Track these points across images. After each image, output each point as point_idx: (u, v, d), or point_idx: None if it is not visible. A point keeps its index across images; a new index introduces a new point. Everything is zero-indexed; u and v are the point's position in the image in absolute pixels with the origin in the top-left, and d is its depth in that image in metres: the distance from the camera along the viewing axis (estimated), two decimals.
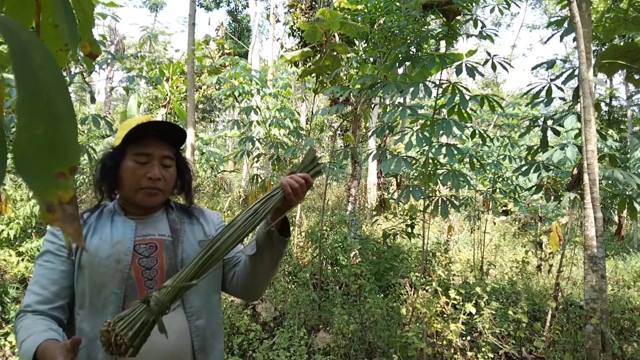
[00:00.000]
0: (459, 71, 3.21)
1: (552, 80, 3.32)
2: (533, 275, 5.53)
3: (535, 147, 3.52)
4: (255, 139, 5.13)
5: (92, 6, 0.69)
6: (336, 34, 4.53)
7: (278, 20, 13.06)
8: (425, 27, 3.75)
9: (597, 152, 2.67)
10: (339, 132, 8.11)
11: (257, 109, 5.09)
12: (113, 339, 0.82)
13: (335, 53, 4.39)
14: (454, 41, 3.57)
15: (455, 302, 3.21)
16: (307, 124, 11.15)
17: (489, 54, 3.35)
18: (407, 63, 3.57)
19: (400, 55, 3.57)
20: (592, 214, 2.57)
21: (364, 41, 5.27)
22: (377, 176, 10.06)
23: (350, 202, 5.27)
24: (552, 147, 3.39)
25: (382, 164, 3.46)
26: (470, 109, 3.47)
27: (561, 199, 3.26)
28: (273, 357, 2.99)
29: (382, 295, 4.10)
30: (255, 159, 5.43)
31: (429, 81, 3.55)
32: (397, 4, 3.61)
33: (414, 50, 3.84)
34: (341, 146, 7.20)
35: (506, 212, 6.94)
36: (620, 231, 4.72)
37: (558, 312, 3.69)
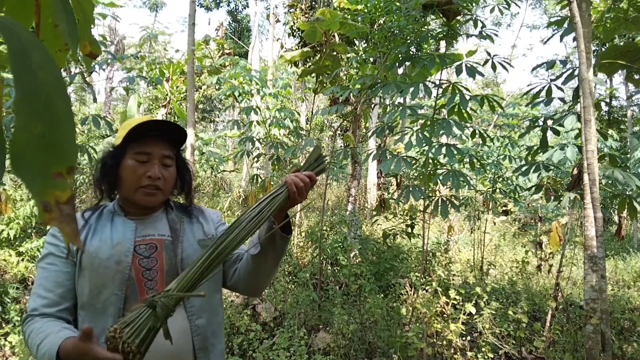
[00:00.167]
0: (459, 71, 3.21)
1: (552, 80, 3.32)
2: (533, 275, 5.53)
3: (535, 147, 3.52)
4: (255, 139, 5.13)
5: (92, 6, 0.69)
6: (336, 34, 4.53)
7: (278, 20, 13.06)
8: (425, 27, 3.75)
9: (597, 152, 2.67)
10: (339, 132, 8.11)
11: (257, 109, 5.09)
12: (120, 346, 0.82)
13: (335, 53, 4.39)
14: (454, 41, 3.57)
15: (455, 302, 3.21)
16: (307, 124, 11.15)
17: (489, 54, 3.35)
18: (407, 63, 3.57)
19: (400, 55, 3.57)
20: (592, 214, 2.57)
21: (364, 41, 5.27)
22: (377, 176, 10.05)
23: (350, 202, 5.27)
24: (552, 147, 3.39)
25: (382, 164, 3.46)
26: (470, 109, 3.47)
27: (561, 199, 3.26)
28: (273, 357, 2.99)
29: (382, 295, 4.10)
30: (255, 159, 5.43)
31: (429, 81, 3.55)
32: (397, 4, 3.61)
33: (414, 50, 3.84)
34: (341, 146, 7.20)
35: (506, 212, 6.93)
36: (620, 231, 4.71)
37: (558, 312, 3.69)
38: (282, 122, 5.37)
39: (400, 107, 3.41)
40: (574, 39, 2.73)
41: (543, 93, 3.34)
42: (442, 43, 3.80)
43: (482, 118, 8.61)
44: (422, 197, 3.25)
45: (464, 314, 3.04)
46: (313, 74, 4.64)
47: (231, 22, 18.51)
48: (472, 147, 6.30)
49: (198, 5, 16.30)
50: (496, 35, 3.31)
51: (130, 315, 0.87)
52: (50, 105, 0.32)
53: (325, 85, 4.61)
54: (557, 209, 8.05)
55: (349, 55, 4.70)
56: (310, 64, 5.26)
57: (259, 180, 5.25)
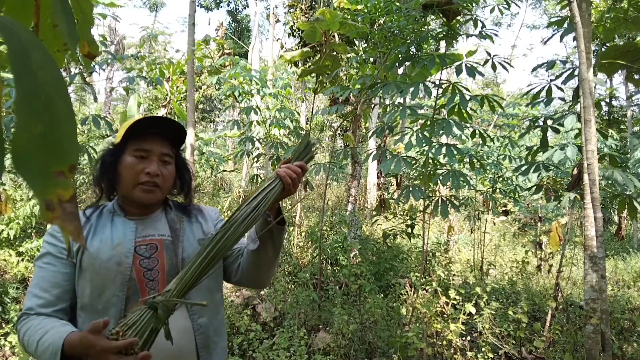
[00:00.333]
0: (459, 71, 3.21)
1: (552, 80, 3.32)
2: (533, 275, 5.53)
3: (535, 147, 3.52)
4: (255, 139, 5.13)
5: (91, 6, 0.69)
6: (336, 34, 4.53)
7: (278, 20, 13.06)
8: (425, 27, 3.75)
9: (597, 152, 2.67)
10: (339, 132, 8.11)
11: (257, 109, 5.09)
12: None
13: (335, 53, 4.39)
14: (454, 41, 3.57)
15: (455, 302, 3.21)
16: (307, 124, 11.15)
17: (488, 54, 3.35)
18: (407, 63, 3.56)
19: (400, 55, 3.57)
20: (592, 214, 2.57)
21: (364, 41, 5.27)
22: (377, 176, 10.05)
23: (350, 202, 5.28)
24: (552, 147, 3.39)
25: (382, 164, 3.46)
26: (470, 109, 3.47)
27: (561, 199, 3.26)
28: (273, 357, 2.99)
29: (382, 295, 4.10)
30: (255, 159, 5.43)
31: (429, 81, 3.55)
32: (397, 4, 3.61)
33: (414, 50, 3.84)
34: (341, 146, 7.20)
35: (506, 212, 6.93)
36: (620, 231, 4.72)
37: (558, 312, 3.69)
38: (282, 122, 5.38)
39: (400, 107, 3.41)
40: (574, 39, 2.73)
41: (543, 93, 3.34)
42: (442, 43, 3.80)
43: (482, 118, 8.61)
44: (422, 197, 3.25)
45: (464, 314, 3.04)
46: (313, 74, 4.64)
47: (231, 22, 18.51)
48: (472, 147, 6.30)
49: (198, 5, 16.30)
50: (496, 35, 3.31)
51: (131, 317, 0.87)
52: (50, 105, 0.32)
53: (325, 85, 4.61)
54: (557, 209, 8.05)
55: (349, 55, 4.70)
56: (310, 64, 5.26)
57: (259, 180, 5.25)
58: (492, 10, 3.75)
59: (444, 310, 3.06)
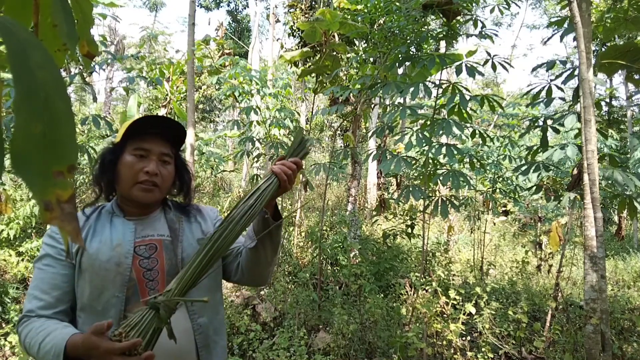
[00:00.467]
0: (459, 71, 3.21)
1: (552, 80, 3.32)
2: (533, 275, 5.53)
3: (535, 147, 3.52)
4: (255, 139, 5.13)
5: (91, 6, 0.69)
6: (336, 34, 4.53)
7: (278, 21, 13.06)
8: (425, 27, 3.75)
9: (597, 152, 2.67)
10: (339, 132, 8.11)
11: (257, 109, 5.09)
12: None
13: (335, 53, 4.39)
14: (454, 41, 3.57)
15: (455, 302, 3.21)
16: (307, 124, 11.14)
17: (488, 54, 3.35)
18: (407, 63, 3.56)
19: (400, 55, 3.57)
20: (592, 214, 2.57)
21: (364, 41, 5.27)
22: (377, 176, 10.05)
23: (350, 202, 5.28)
24: (552, 147, 3.39)
25: (382, 164, 3.46)
26: (470, 109, 3.47)
27: (561, 199, 3.26)
28: (273, 357, 2.99)
29: (382, 295, 4.10)
30: (255, 159, 5.43)
31: (429, 81, 3.55)
32: (397, 4, 3.61)
33: (414, 50, 3.85)
34: (341, 146, 7.20)
35: (506, 212, 6.93)
36: (621, 231, 4.71)
37: (558, 312, 3.69)
38: (282, 122, 5.38)
39: (400, 107, 3.41)
40: (574, 39, 2.73)
41: (543, 93, 3.34)
42: (442, 43, 3.80)
43: (482, 118, 8.61)
44: (422, 197, 3.25)
45: (464, 314, 3.04)
46: (313, 74, 4.64)
47: (231, 22, 18.51)
48: (472, 147, 6.30)
49: (198, 5, 16.30)
50: (496, 35, 3.31)
51: (133, 317, 0.87)
52: (50, 105, 0.32)
53: (325, 85, 4.61)
54: (557, 209, 8.05)
55: (349, 55, 4.70)
56: (310, 64, 5.26)
57: (259, 180, 5.25)
58: (492, 10, 3.75)
59: (444, 310, 3.06)
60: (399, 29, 3.62)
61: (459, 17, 3.39)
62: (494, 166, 5.76)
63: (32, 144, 0.31)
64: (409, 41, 3.62)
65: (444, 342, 2.98)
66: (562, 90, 3.31)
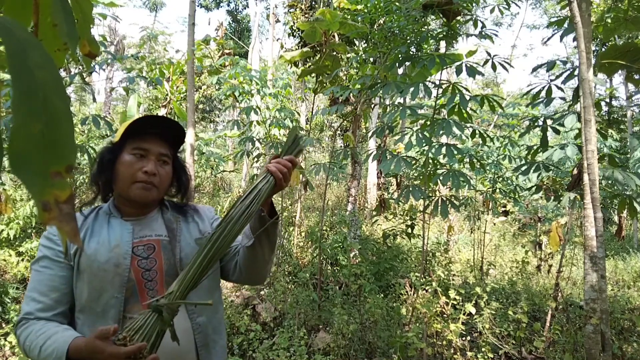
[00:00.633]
0: (459, 71, 3.21)
1: (552, 80, 3.31)
2: (533, 275, 5.53)
3: (535, 147, 3.51)
4: (255, 139, 5.12)
5: (91, 6, 0.69)
6: (336, 34, 4.53)
7: (278, 21, 13.06)
8: (425, 27, 3.75)
9: (597, 152, 2.67)
10: (339, 132, 8.11)
11: (257, 109, 5.09)
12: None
13: (335, 53, 4.39)
14: (454, 41, 3.57)
15: (455, 302, 3.21)
16: (307, 124, 11.14)
17: (489, 54, 3.34)
18: (407, 63, 3.56)
19: (400, 55, 3.57)
20: (592, 214, 2.57)
21: (364, 41, 5.27)
22: (377, 176, 10.05)
23: (350, 202, 5.27)
24: (552, 147, 3.39)
25: (382, 164, 3.46)
26: (470, 109, 3.47)
27: (561, 199, 3.26)
28: (273, 357, 2.99)
29: (382, 295, 4.09)
30: (255, 159, 5.42)
31: (429, 81, 3.55)
32: (397, 4, 3.61)
33: (414, 50, 3.84)
34: (341, 146, 7.20)
35: (506, 213, 6.94)
36: (621, 231, 4.71)
37: (558, 312, 3.69)
38: (282, 122, 5.37)
39: (400, 107, 3.41)
40: (574, 39, 2.73)
41: (543, 93, 3.34)
42: (442, 43, 3.80)
43: (482, 118, 8.61)
44: (422, 197, 3.25)
45: (464, 314, 3.04)
46: (313, 74, 4.64)
47: (231, 22, 18.52)
48: (472, 147, 6.30)
49: (198, 5, 16.30)
50: (496, 35, 3.31)
51: (136, 321, 0.88)
52: (48, 105, 0.32)
53: (325, 85, 4.61)
54: (557, 209, 8.06)
55: (349, 55, 4.70)
56: (310, 64, 5.25)
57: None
58: (492, 11, 3.75)
59: (444, 310, 3.06)
60: (399, 29, 3.62)
61: (459, 17, 3.38)
62: (494, 166, 5.76)
63: (30, 144, 0.31)
64: (409, 41, 3.62)
65: (444, 342, 2.98)
66: (562, 90, 3.31)
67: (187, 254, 1.12)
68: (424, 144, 3.29)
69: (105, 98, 17.72)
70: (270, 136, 5.45)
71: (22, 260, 4.22)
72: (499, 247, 7.63)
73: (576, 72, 2.98)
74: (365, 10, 4.00)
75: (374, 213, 5.33)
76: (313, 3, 7.96)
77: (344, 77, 4.77)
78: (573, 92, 3.17)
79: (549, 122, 3.34)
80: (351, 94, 4.02)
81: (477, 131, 3.70)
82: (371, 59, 4.78)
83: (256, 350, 3.12)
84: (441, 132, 3.24)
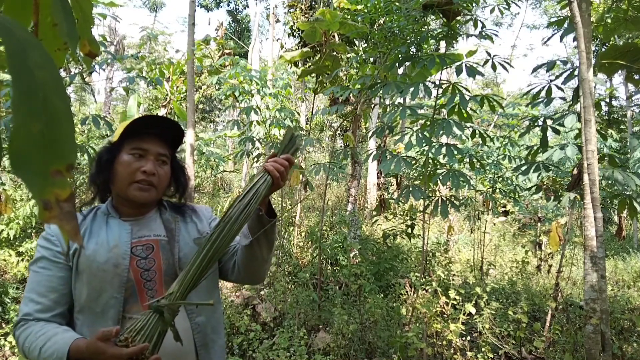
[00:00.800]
0: (459, 71, 3.21)
1: (552, 80, 3.32)
2: (533, 275, 5.53)
3: (535, 147, 3.52)
4: (255, 139, 5.13)
5: (91, 5, 0.69)
6: (336, 34, 4.53)
7: (278, 21, 13.07)
8: (425, 27, 3.75)
9: (597, 152, 2.67)
10: (339, 132, 8.11)
11: (257, 109, 5.09)
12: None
13: (335, 53, 4.39)
14: (454, 41, 3.57)
15: (455, 302, 3.21)
16: (307, 124, 11.14)
17: (489, 54, 3.34)
18: (407, 63, 3.56)
19: (400, 55, 3.57)
20: (592, 214, 2.57)
21: (364, 41, 5.27)
22: (377, 176, 10.05)
23: (350, 202, 5.27)
24: (552, 147, 3.39)
25: (382, 164, 3.46)
26: (470, 109, 3.47)
27: (561, 199, 3.26)
28: (273, 357, 2.99)
29: (382, 295, 4.09)
30: (255, 159, 5.42)
31: (429, 81, 3.55)
32: (397, 4, 3.61)
33: (414, 50, 3.84)
34: (341, 146, 7.20)
35: (506, 213, 6.94)
36: (621, 231, 4.71)
37: (558, 312, 3.69)
38: (282, 122, 5.37)
39: (400, 107, 3.41)
40: (574, 39, 2.73)
41: (543, 93, 3.34)
42: (442, 43, 3.80)
43: (482, 118, 8.61)
44: (422, 197, 3.25)
45: (464, 314, 3.04)
46: (313, 74, 4.64)
47: (231, 22, 18.52)
48: (472, 147, 6.30)
49: (198, 5, 16.30)
50: (496, 35, 3.31)
51: (137, 322, 0.88)
52: (48, 105, 0.32)
53: (325, 85, 4.61)
54: (557, 209, 8.05)
55: (349, 55, 4.70)
56: (310, 64, 5.25)
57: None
58: (492, 11, 3.75)
59: (444, 310, 3.06)
60: (399, 29, 3.62)
61: (459, 17, 3.39)
62: (494, 166, 5.76)
63: (31, 144, 0.31)
64: (409, 41, 3.62)
65: (444, 342, 2.98)
66: (562, 90, 3.31)
67: (186, 254, 1.12)
68: (424, 144, 3.29)
69: (105, 98, 17.72)
70: (270, 136, 5.45)
71: (22, 260, 4.22)
72: (499, 247, 7.63)
73: (576, 72, 2.98)
74: (365, 10, 4.00)
75: (374, 213, 5.33)
76: (313, 3, 7.96)
77: (344, 77, 4.77)
78: (573, 92, 3.17)
79: (549, 122, 3.34)
80: (351, 94, 4.02)
81: (477, 131, 3.70)
82: (371, 59, 4.78)
83: (256, 350, 3.12)
84: (441, 132, 3.24)
